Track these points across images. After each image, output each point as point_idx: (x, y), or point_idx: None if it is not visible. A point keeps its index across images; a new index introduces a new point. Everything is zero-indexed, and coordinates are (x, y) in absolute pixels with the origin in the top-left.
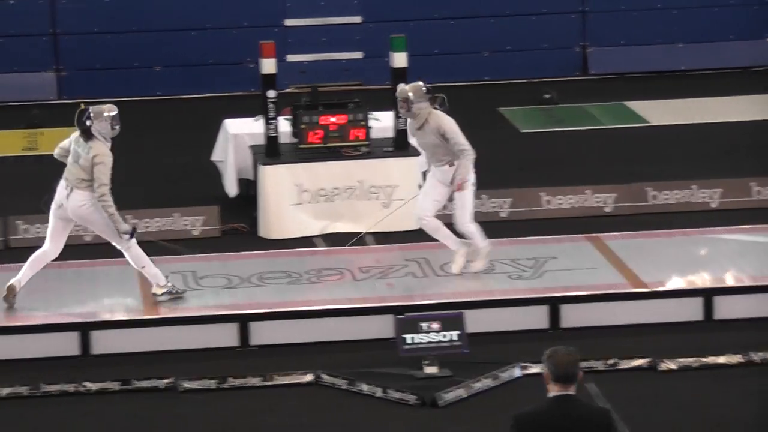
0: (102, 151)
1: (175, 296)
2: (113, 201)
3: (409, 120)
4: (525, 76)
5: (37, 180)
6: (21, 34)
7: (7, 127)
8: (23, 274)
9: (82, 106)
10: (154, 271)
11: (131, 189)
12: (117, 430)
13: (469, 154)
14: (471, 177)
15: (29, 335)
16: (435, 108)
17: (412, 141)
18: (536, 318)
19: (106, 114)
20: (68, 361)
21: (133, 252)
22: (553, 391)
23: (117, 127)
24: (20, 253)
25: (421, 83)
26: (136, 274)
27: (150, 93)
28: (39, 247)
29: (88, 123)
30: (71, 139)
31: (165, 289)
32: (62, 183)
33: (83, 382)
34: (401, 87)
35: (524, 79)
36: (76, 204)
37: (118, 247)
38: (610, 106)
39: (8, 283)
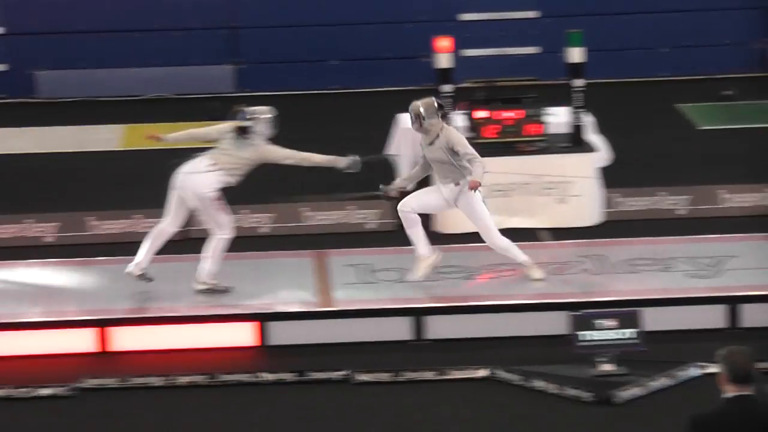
0: (266, 148)
1: (216, 291)
2: (307, 154)
3: (421, 135)
4: (704, 72)
5: None
6: (201, 27)
7: (187, 119)
8: (144, 257)
9: (238, 106)
10: (213, 269)
11: (308, 181)
12: (292, 420)
13: (479, 162)
14: (478, 194)
15: (208, 325)
16: (446, 124)
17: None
18: (715, 317)
19: (265, 116)
20: (245, 351)
21: (219, 243)
22: (730, 391)
23: (272, 129)
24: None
25: (433, 99)
26: (312, 265)
27: (326, 86)
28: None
29: (246, 123)
30: (225, 128)
31: (206, 287)
32: (202, 160)
33: (259, 372)
34: (414, 102)
35: (703, 75)
36: (204, 184)
37: (213, 232)
38: None
39: (126, 270)
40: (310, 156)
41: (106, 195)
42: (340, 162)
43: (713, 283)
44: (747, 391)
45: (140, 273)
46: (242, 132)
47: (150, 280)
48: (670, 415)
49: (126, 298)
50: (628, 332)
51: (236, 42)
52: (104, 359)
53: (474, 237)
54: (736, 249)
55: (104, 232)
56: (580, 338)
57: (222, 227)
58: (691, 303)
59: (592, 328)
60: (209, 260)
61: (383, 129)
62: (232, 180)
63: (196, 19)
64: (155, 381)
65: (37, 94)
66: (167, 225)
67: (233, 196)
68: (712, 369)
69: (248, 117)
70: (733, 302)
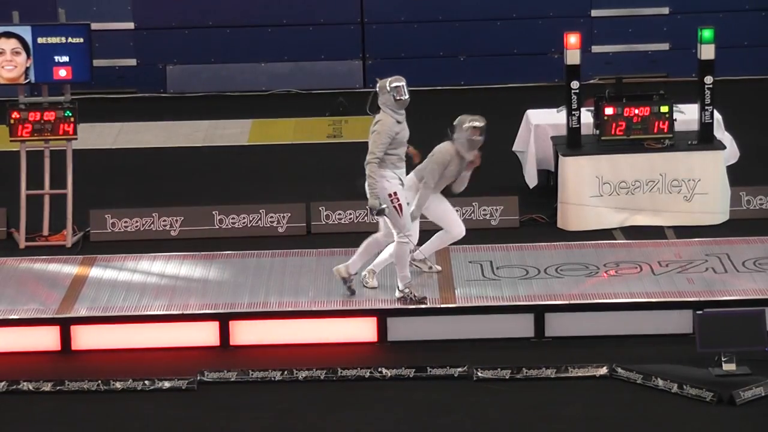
0: (382, 120)
1: (411, 301)
2: (377, 171)
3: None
4: None
5: (339, 168)
6: (330, 22)
7: (313, 114)
8: (354, 261)
9: (377, 80)
10: (404, 273)
11: None
12: (410, 415)
13: None
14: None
15: (328, 320)
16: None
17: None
18: None
19: (387, 86)
20: (365, 346)
21: (398, 248)
22: None
23: (402, 97)
24: (321, 239)
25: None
26: (435, 262)
27: (454, 82)
28: (339, 233)
29: (376, 97)
30: None
31: (402, 294)
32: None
33: (379, 367)
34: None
35: None
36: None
37: (393, 232)
38: None
39: (334, 268)
40: (371, 170)
41: (232, 189)
42: (372, 200)
43: None
44: None
45: (346, 275)
46: (374, 108)
47: (352, 291)
48: None
49: (248, 292)
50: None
51: (364, 38)
52: (225, 353)
53: (597, 235)
54: None
55: (229, 226)
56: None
57: (399, 230)
58: None
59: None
60: (402, 269)
61: (511, 125)
62: (391, 171)
63: (324, 14)
64: (275, 375)
65: (167, 89)
66: (381, 235)
67: None
68: None
69: (376, 89)
70: None
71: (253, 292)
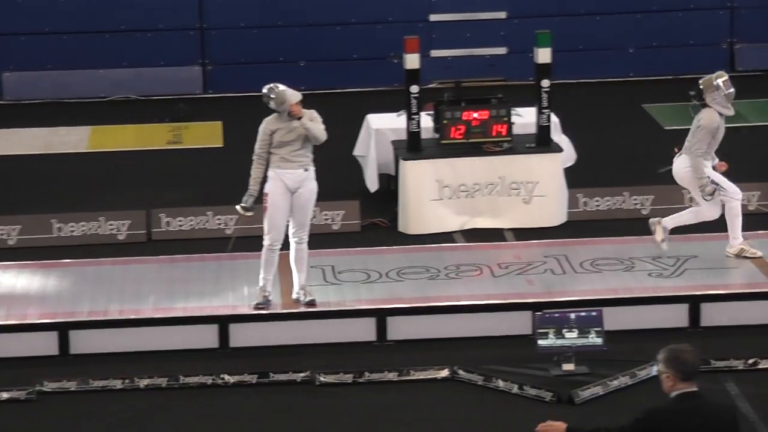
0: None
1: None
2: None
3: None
4: (671, 72)
5: (180, 174)
6: (169, 28)
7: (152, 120)
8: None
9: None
10: (263, 276)
11: None
12: (253, 421)
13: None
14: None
15: (169, 327)
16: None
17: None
18: (676, 316)
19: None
20: (207, 353)
21: (263, 250)
22: (678, 389)
23: (270, 102)
24: (162, 246)
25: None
26: (276, 267)
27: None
28: (180, 240)
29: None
30: None
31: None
32: None
33: (221, 374)
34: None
35: (670, 76)
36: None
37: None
38: (758, 103)
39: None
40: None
41: (71, 197)
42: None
43: (674, 283)
44: (694, 387)
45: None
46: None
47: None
48: (630, 413)
49: (87, 300)
50: (589, 332)
51: (204, 43)
52: (64, 362)
53: (437, 238)
54: (697, 249)
55: (68, 234)
56: (542, 339)
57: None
58: (653, 302)
59: (554, 328)
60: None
61: (351, 129)
62: (273, 171)
63: (163, 20)
64: (116, 384)
65: (3, 96)
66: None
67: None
68: None
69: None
70: (693, 301)
71: (93, 301)
